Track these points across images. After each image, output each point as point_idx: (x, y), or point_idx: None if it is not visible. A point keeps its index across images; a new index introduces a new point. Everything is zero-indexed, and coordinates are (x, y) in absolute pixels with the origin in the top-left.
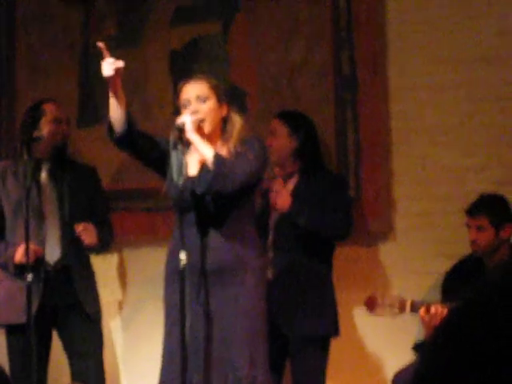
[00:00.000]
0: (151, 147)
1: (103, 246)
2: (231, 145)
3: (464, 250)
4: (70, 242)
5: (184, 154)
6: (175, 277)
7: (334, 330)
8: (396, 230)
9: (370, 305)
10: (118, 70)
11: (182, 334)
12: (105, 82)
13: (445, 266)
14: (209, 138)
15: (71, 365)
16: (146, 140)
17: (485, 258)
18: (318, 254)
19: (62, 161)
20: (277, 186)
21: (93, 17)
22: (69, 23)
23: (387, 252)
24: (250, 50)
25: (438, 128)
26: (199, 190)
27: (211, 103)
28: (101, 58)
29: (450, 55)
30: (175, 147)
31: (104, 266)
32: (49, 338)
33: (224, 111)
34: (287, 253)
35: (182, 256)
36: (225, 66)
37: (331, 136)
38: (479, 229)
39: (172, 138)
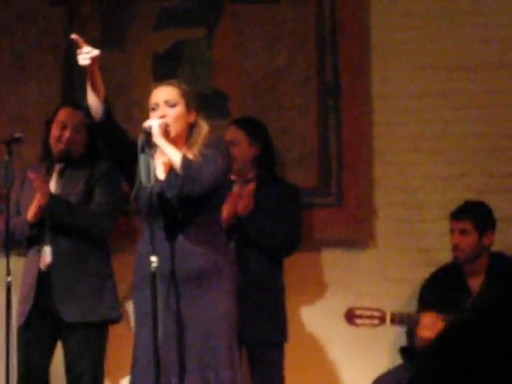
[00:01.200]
0: (126, 142)
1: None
2: (196, 149)
3: (444, 258)
4: (60, 244)
5: (151, 157)
6: (146, 282)
7: (286, 337)
8: (377, 237)
9: (349, 317)
10: (94, 59)
11: (155, 341)
12: (87, 84)
13: (424, 274)
14: (175, 143)
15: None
16: (122, 134)
17: (465, 265)
18: (275, 261)
19: (75, 163)
20: (241, 190)
21: (76, 18)
22: (52, 24)
23: (368, 259)
24: (233, 55)
25: (419, 136)
26: (169, 195)
27: (179, 109)
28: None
29: (433, 63)
30: (143, 151)
31: None
32: (50, 341)
33: (192, 117)
34: (247, 260)
35: (153, 259)
36: (208, 71)
37: (314, 142)
38: (463, 233)
39: (140, 141)
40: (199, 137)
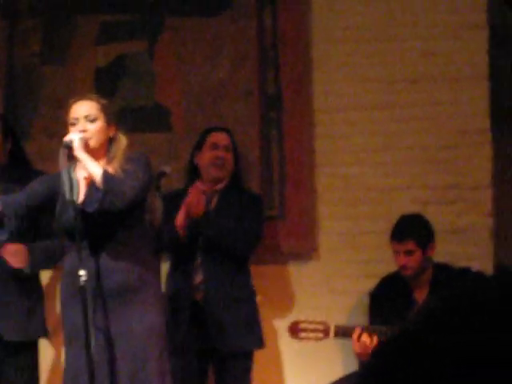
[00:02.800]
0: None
1: (36, 267)
2: (116, 163)
3: (387, 269)
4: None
5: (73, 171)
6: (75, 298)
7: (261, 343)
8: (319, 250)
9: (293, 331)
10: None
11: (89, 355)
12: (28, 99)
13: (368, 285)
14: (95, 157)
15: None
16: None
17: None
18: (242, 271)
19: (2, 173)
20: (195, 190)
21: (18, 33)
22: None
23: (311, 271)
24: (175, 68)
25: (362, 148)
26: (89, 209)
27: (99, 123)
28: (25, 73)
29: (375, 76)
30: (64, 165)
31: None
32: None
33: (111, 131)
34: (215, 273)
35: (82, 272)
36: (150, 84)
37: (256, 155)
38: (408, 253)
39: (61, 155)
40: (119, 150)
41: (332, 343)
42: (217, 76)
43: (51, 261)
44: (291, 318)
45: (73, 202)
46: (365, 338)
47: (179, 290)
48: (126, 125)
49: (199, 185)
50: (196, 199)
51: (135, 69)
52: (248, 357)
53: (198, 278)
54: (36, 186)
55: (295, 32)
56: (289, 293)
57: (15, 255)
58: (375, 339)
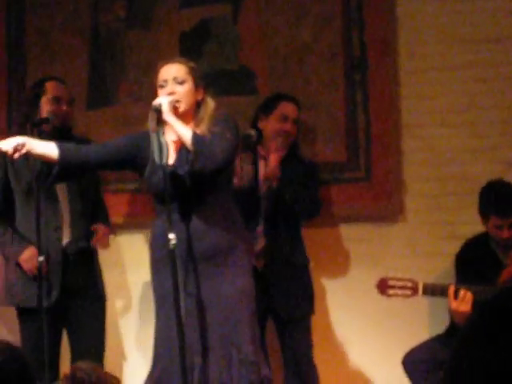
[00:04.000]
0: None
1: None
2: (204, 126)
3: (473, 231)
4: (84, 224)
5: (162, 135)
6: (165, 262)
7: (313, 310)
8: (406, 211)
9: (382, 287)
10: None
11: (179, 320)
12: (114, 65)
13: (454, 247)
14: (183, 121)
15: (73, 347)
16: (84, 163)
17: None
18: (298, 238)
19: (67, 141)
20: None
21: None
22: (78, 5)
23: (397, 233)
24: (259, 31)
25: (448, 109)
26: (180, 171)
27: (188, 86)
28: (111, 38)
29: (461, 35)
30: (154, 129)
31: (114, 248)
32: (62, 320)
33: (200, 95)
34: (276, 241)
35: (171, 236)
36: (234, 47)
37: (341, 117)
38: (511, 226)
39: (150, 119)
40: (206, 114)
41: (414, 303)
42: (301, 38)
43: None
44: (377, 279)
45: (162, 166)
46: (464, 293)
47: None
48: (211, 88)
49: (261, 150)
50: (272, 167)
51: (220, 32)
52: (306, 321)
53: (260, 245)
54: (120, 141)
55: None
56: (375, 254)
57: (104, 238)
58: (471, 296)
